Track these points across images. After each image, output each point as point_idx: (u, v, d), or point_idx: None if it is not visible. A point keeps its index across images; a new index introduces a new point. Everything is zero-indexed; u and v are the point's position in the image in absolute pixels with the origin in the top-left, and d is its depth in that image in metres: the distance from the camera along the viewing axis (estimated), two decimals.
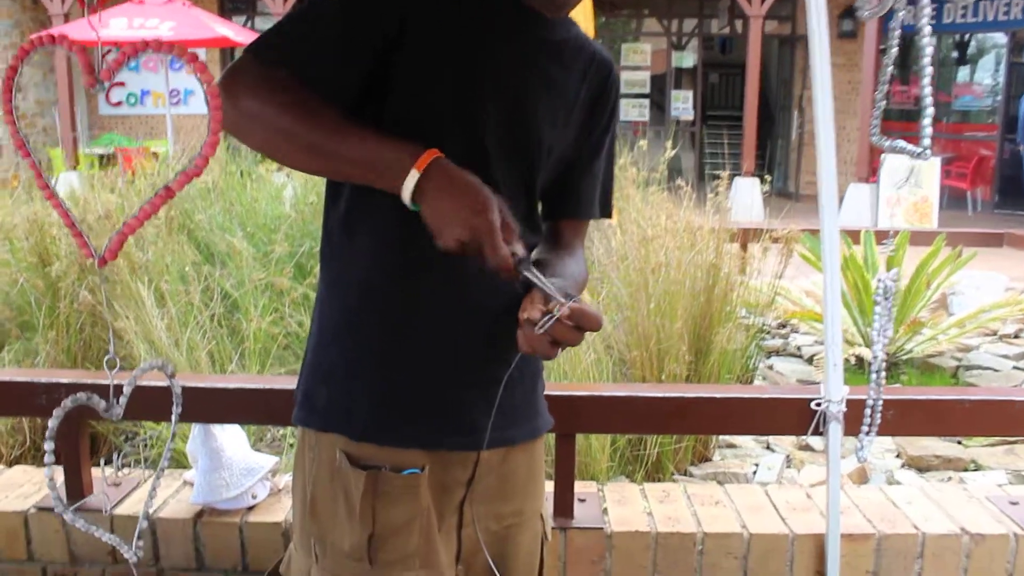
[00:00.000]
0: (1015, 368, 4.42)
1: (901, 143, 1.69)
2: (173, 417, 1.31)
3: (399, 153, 1.07)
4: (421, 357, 1.23)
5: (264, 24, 14.28)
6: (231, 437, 2.45)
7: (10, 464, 2.77)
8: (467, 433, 1.26)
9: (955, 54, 14.03)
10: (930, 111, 1.36)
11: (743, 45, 13.35)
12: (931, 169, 12.55)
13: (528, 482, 1.38)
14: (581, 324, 1.04)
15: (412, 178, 1.04)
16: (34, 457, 2.92)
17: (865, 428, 1.99)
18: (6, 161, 13.05)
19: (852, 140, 13.73)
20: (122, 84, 14.77)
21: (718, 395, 2.21)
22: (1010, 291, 5.36)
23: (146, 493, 2.39)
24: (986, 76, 13.82)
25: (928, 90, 1.35)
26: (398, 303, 1.23)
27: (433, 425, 1.25)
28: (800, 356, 4.60)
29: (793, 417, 2.16)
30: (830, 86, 2.00)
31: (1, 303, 3.19)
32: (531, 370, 1.34)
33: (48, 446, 1.25)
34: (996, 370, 4.30)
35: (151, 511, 2.25)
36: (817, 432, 2.18)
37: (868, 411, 1.96)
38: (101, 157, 12.58)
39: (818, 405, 2.11)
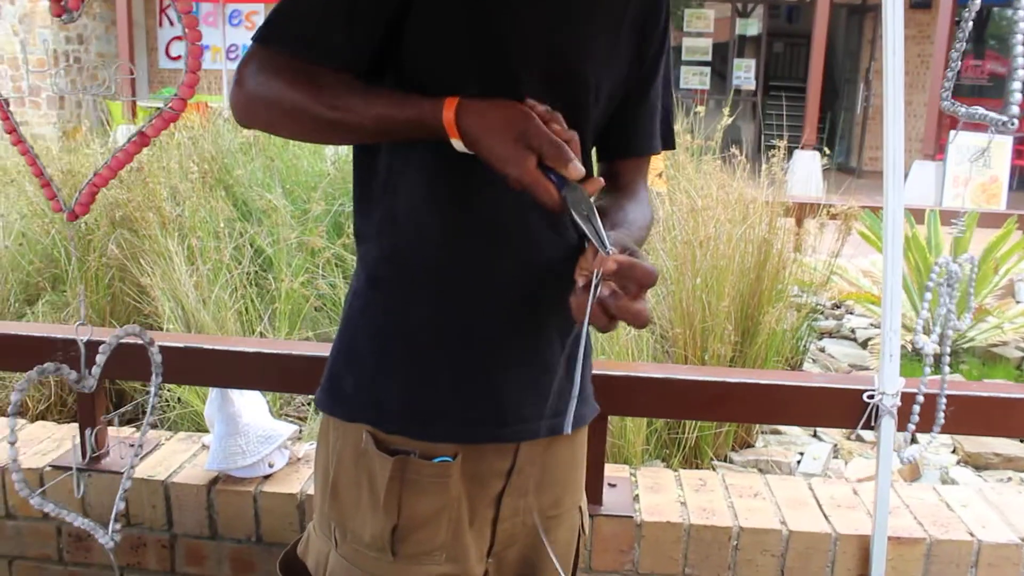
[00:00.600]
0: None
1: (980, 110, 1.52)
2: (152, 388, 1.22)
3: (424, 106, 0.98)
4: (459, 337, 1.10)
5: None
6: (249, 403, 2.37)
7: (34, 419, 2.73)
8: (509, 423, 1.13)
9: None
10: (1021, 76, 1.19)
11: (810, 14, 12.90)
12: (1002, 148, 12.10)
13: (569, 471, 1.26)
14: (630, 278, 0.91)
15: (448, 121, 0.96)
16: (60, 412, 2.89)
17: (912, 427, 1.83)
18: (67, 113, 13.19)
19: (919, 116, 13.26)
20: (182, 39, 14.82)
21: (763, 381, 2.06)
22: None
23: (162, 458, 2.33)
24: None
25: (1020, 50, 1.19)
26: (434, 274, 1.10)
27: (469, 417, 1.12)
28: (854, 339, 4.39)
29: (843, 409, 2.02)
30: (902, 58, 1.83)
31: (34, 254, 3.14)
32: (577, 352, 1.19)
33: (11, 423, 1.16)
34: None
35: (165, 477, 2.18)
36: (868, 426, 2.04)
37: (917, 407, 1.80)
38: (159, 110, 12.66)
39: (870, 397, 1.97)
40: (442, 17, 1.02)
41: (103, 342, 1.19)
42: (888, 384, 1.96)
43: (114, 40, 14.04)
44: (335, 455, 1.15)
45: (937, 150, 11.31)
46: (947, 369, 1.64)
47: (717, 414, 2.27)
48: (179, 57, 14.86)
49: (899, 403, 1.95)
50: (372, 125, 0.99)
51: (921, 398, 1.68)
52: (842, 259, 4.03)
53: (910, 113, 13.72)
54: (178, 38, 14.61)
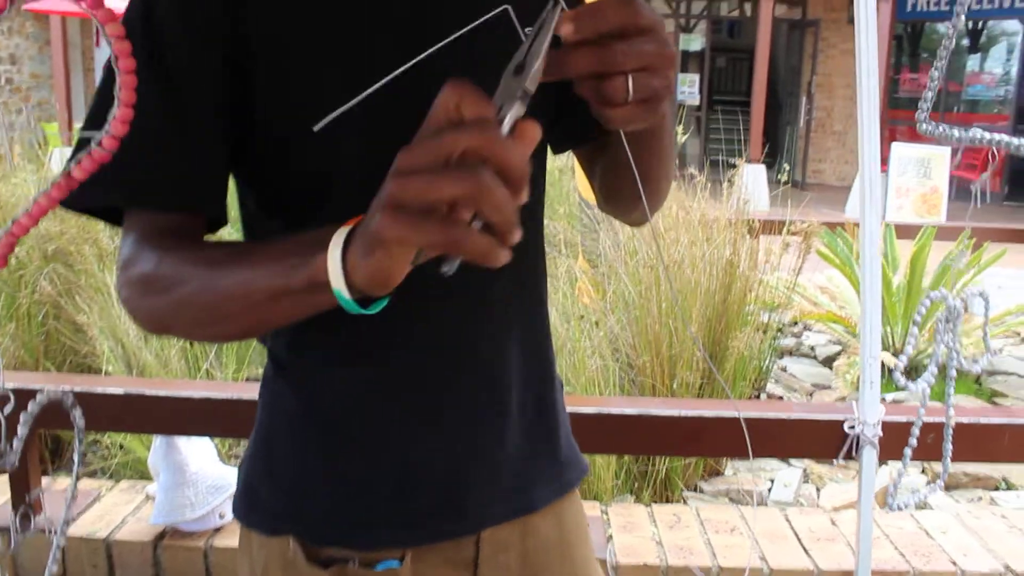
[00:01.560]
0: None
1: (951, 130, 1.46)
2: (75, 455, 1.08)
3: (305, 247, 0.69)
4: (385, 417, 0.92)
5: None
6: (197, 449, 2.23)
7: None
8: (464, 512, 0.94)
9: (967, 42, 13.76)
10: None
11: (752, 29, 13.06)
12: (940, 159, 12.35)
13: (565, 550, 1.04)
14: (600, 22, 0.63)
15: (334, 256, 0.65)
16: None
17: (908, 457, 1.76)
18: None
19: None
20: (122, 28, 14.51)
21: (744, 415, 1.98)
22: None
23: (103, 512, 2.17)
24: (997, 65, 13.55)
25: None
26: (347, 348, 0.90)
27: (413, 512, 0.93)
28: (814, 357, 4.36)
29: (824, 440, 1.96)
30: (876, 73, 1.78)
31: None
32: (544, 402, 1.01)
33: None
34: (1021, 375, 4.07)
35: (107, 535, 2.03)
36: (849, 456, 1.97)
37: (914, 439, 1.72)
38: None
39: (851, 428, 1.90)
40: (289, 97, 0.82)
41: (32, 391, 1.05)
42: (868, 413, 1.90)
43: (48, 60, 13.67)
44: (260, 570, 0.96)
45: (880, 162, 11.46)
46: (951, 409, 1.57)
47: (694, 449, 2.18)
48: None
49: (880, 432, 1.89)
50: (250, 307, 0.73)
51: (917, 431, 1.60)
52: (792, 271, 3.99)
53: (852, 126, 13.94)
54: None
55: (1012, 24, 13.06)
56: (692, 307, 2.78)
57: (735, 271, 2.98)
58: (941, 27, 13.79)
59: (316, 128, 0.69)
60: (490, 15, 0.69)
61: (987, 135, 1.38)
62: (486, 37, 0.73)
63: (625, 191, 0.93)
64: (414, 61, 0.69)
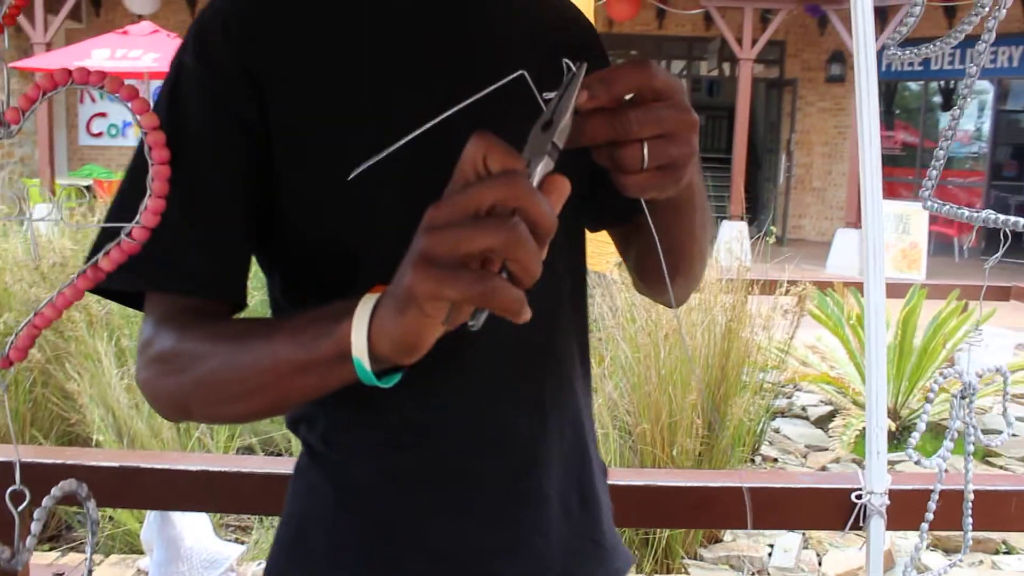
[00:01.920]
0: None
1: (959, 210, 1.48)
2: (88, 548, 1.05)
3: (330, 317, 0.68)
4: (421, 518, 0.88)
5: None
6: (192, 523, 2.18)
7: None
8: None
9: (938, 99, 14.06)
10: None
11: (731, 88, 13.28)
12: (919, 215, 12.50)
13: None
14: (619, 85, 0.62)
15: (360, 335, 0.64)
16: None
17: (927, 527, 1.74)
18: None
19: (840, 185, 13.66)
20: (103, 115, 14.54)
21: (748, 484, 1.95)
22: (1021, 348, 5.16)
23: None
24: (970, 123, 13.84)
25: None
26: (384, 435, 0.88)
27: None
28: (807, 417, 4.35)
29: (831, 510, 1.92)
30: (878, 132, 1.78)
31: None
32: (587, 488, 0.95)
33: None
34: (1015, 435, 4.07)
35: None
36: (857, 527, 1.95)
37: (933, 504, 1.71)
38: (79, 189, 12.31)
39: (859, 497, 1.88)
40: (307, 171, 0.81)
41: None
42: (876, 483, 1.88)
43: (34, 117, 13.68)
44: None
45: (859, 218, 11.60)
46: (971, 484, 1.55)
47: (701, 521, 2.15)
48: (100, 134, 14.54)
49: (887, 501, 1.88)
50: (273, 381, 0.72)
51: (933, 506, 1.58)
52: (783, 333, 3.99)
53: (830, 182, 14.15)
54: (100, 115, 14.30)
55: (983, 84, 13.38)
56: (691, 375, 2.77)
57: (734, 336, 2.98)
58: (913, 85, 14.10)
59: (351, 177, 0.69)
60: (506, 79, 0.67)
61: (992, 215, 1.39)
62: (513, 93, 0.70)
63: (657, 272, 0.89)
64: (444, 116, 0.67)
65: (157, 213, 0.83)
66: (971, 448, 1.46)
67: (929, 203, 1.61)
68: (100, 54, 9.77)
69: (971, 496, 1.56)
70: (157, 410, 0.84)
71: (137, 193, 0.77)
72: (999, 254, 1.75)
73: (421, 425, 0.87)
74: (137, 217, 0.84)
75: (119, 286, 0.81)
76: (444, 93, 0.79)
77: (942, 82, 13.76)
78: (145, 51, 9.87)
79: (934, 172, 1.57)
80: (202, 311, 0.82)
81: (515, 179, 0.56)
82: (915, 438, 1.34)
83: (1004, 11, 1.27)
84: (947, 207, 1.58)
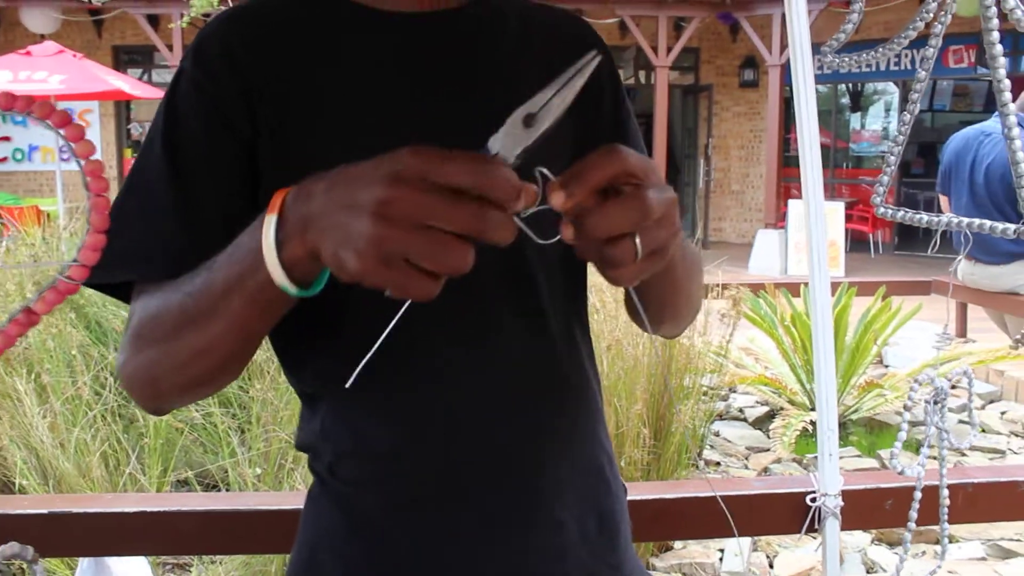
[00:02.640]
0: (961, 422, 4.30)
1: (916, 215, 1.49)
2: None
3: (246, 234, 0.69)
4: (427, 543, 0.87)
5: (161, 77, 13.76)
6: (128, 567, 2.07)
7: None
8: None
9: (847, 101, 14.50)
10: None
11: (648, 95, 13.46)
12: (836, 213, 12.84)
13: None
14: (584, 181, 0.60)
15: (269, 227, 0.63)
16: None
17: (911, 527, 1.75)
18: None
19: (758, 187, 13.96)
20: (8, 139, 14.01)
21: (702, 494, 1.94)
22: (944, 340, 5.30)
23: None
24: (877, 123, 14.31)
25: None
26: (390, 462, 0.87)
27: None
28: (744, 419, 4.40)
29: (786, 514, 1.92)
30: (817, 134, 1.82)
31: None
32: (605, 514, 0.94)
33: None
34: (964, 422, 4.18)
35: None
36: (813, 530, 1.95)
37: (916, 502, 1.71)
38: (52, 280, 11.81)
39: (813, 500, 1.89)
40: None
41: None
42: (829, 485, 1.89)
43: None
44: None
45: (779, 218, 11.88)
46: (945, 490, 1.55)
47: (655, 534, 2.12)
48: (5, 159, 13.98)
49: (841, 503, 1.89)
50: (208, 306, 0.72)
51: (915, 515, 1.58)
52: (717, 337, 4.02)
53: (748, 184, 14.44)
54: (3, 139, 13.77)
55: (887, 85, 13.85)
56: (636, 384, 2.76)
57: (674, 343, 2.98)
58: (822, 88, 14.53)
59: (348, 384, 0.71)
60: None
61: (954, 219, 1.40)
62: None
63: (653, 314, 0.91)
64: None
65: (96, 249, 0.77)
66: (945, 453, 1.47)
67: (882, 209, 1.61)
68: (2, 76, 9.38)
69: (947, 501, 1.57)
70: (137, 402, 0.85)
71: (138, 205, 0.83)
72: (960, 257, 1.76)
73: (415, 454, 0.86)
74: (75, 255, 0.78)
75: (107, 279, 0.82)
76: (438, 120, 0.82)
77: (850, 84, 14.19)
78: (51, 72, 9.52)
79: (885, 178, 1.57)
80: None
81: (497, 169, 0.55)
82: (898, 447, 1.34)
83: (950, 16, 1.28)
84: (902, 212, 1.59)
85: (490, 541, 0.87)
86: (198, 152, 0.83)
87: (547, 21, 0.97)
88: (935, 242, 1.39)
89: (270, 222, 0.63)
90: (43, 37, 11.51)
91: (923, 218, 1.32)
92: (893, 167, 1.43)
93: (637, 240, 0.61)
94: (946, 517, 1.55)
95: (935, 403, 1.40)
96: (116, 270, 0.81)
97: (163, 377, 0.79)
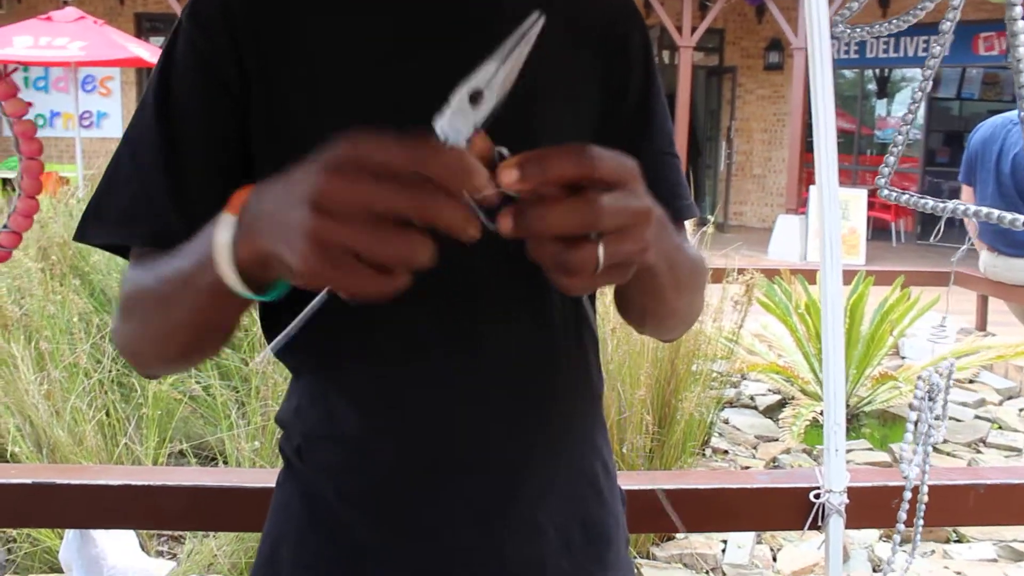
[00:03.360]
0: (977, 417, 4.22)
1: (918, 198, 1.42)
2: None
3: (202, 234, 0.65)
4: (395, 540, 0.81)
5: None
6: (115, 540, 2.04)
7: None
8: None
9: (873, 87, 14.27)
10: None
11: (671, 76, 13.30)
12: (858, 200, 12.68)
13: None
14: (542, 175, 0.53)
15: (224, 227, 0.60)
16: None
17: (902, 528, 1.69)
18: None
19: (780, 171, 13.80)
20: (30, 104, 14.00)
21: (702, 486, 1.88)
22: (963, 333, 5.21)
23: None
24: (903, 109, 14.08)
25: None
26: (355, 449, 0.82)
27: None
28: (755, 407, 4.33)
29: (789, 510, 1.86)
30: (833, 118, 1.73)
31: None
32: (594, 522, 0.87)
33: None
34: (958, 419, 4.10)
35: None
36: (816, 527, 1.89)
37: (905, 503, 1.65)
38: (4, 181, 11.86)
39: (817, 496, 1.82)
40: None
41: None
42: (834, 481, 1.83)
43: None
44: None
45: (799, 204, 11.74)
46: (926, 486, 1.50)
47: (652, 526, 2.06)
48: None
49: (847, 500, 1.82)
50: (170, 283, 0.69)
51: (903, 514, 1.52)
52: (730, 323, 3.94)
53: (770, 169, 14.28)
54: (27, 104, 13.79)
55: (914, 72, 13.62)
56: (640, 370, 2.70)
57: None
58: (849, 73, 14.29)
59: (271, 350, 0.66)
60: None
61: (961, 206, 1.33)
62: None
63: (635, 319, 0.90)
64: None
65: (29, 215, 0.73)
66: (929, 449, 1.41)
67: (886, 191, 1.53)
68: (22, 41, 9.38)
69: (925, 499, 1.51)
70: (129, 362, 0.83)
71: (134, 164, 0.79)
72: (965, 247, 1.68)
73: (385, 442, 0.81)
74: (5, 222, 0.73)
75: (95, 241, 0.80)
76: (430, 67, 0.74)
77: (877, 70, 13.97)
78: (71, 39, 9.49)
79: (891, 159, 1.50)
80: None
81: (439, 149, 0.52)
82: (905, 447, 1.28)
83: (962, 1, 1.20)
84: (906, 196, 1.52)
85: (461, 543, 0.81)
86: (190, 113, 0.79)
87: None
88: (939, 229, 1.32)
89: (226, 222, 0.60)
90: (65, 2, 11.49)
91: (928, 203, 1.26)
92: (900, 147, 1.35)
93: (601, 249, 0.54)
94: (922, 515, 1.50)
95: (929, 399, 1.35)
96: (100, 231, 0.79)
97: (143, 350, 0.78)
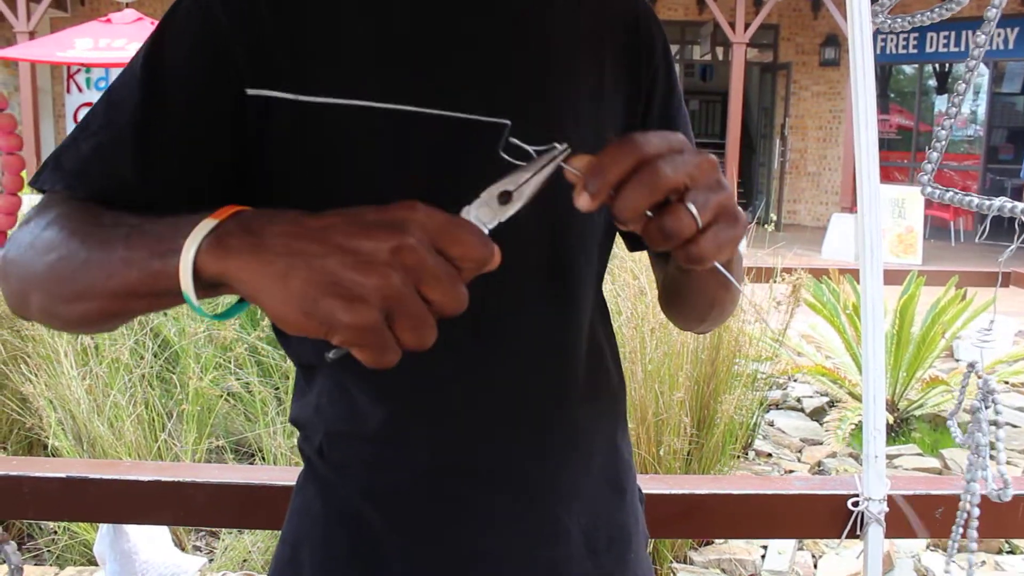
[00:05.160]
0: None
1: (966, 197, 1.36)
2: None
3: (181, 222, 0.59)
4: (422, 539, 0.80)
5: None
6: (148, 535, 2.06)
7: None
8: None
9: (934, 83, 13.92)
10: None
11: (724, 72, 13.13)
12: (915, 199, 12.38)
13: None
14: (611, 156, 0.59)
15: (200, 231, 0.56)
16: None
17: (959, 539, 1.62)
18: None
19: (835, 169, 13.54)
20: (91, 105, 14.38)
21: (737, 491, 1.83)
22: (1021, 336, 5.05)
23: None
24: (965, 106, 13.69)
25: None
26: (372, 460, 0.81)
27: None
28: (802, 409, 4.23)
29: (826, 517, 1.81)
30: (874, 120, 1.66)
31: None
32: (614, 525, 0.87)
33: None
34: (1015, 425, 3.96)
35: None
36: (854, 535, 1.83)
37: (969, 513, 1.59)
38: None
39: (855, 504, 1.77)
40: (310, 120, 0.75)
41: None
42: (873, 489, 1.77)
43: (18, 107, 13.51)
44: None
45: (855, 202, 11.49)
46: (972, 500, 1.43)
47: (686, 531, 2.03)
48: None
49: (886, 508, 1.76)
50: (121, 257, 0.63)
51: (960, 529, 1.46)
52: (777, 323, 3.87)
53: (825, 167, 14.02)
54: (86, 104, 14.15)
55: (980, 66, 13.23)
56: (679, 370, 2.65)
57: (725, 327, 2.85)
58: (908, 68, 13.97)
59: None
60: (492, 118, 0.67)
61: (1008, 203, 1.27)
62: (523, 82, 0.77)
63: (685, 312, 0.91)
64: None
65: (12, 213, 0.72)
66: (983, 470, 1.34)
67: (928, 189, 1.47)
68: (83, 43, 9.61)
69: (971, 510, 1.44)
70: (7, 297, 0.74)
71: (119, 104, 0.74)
72: (1015, 246, 1.61)
73: (409, 440, 0.79)
74: None
75: (46, 187, 0.74)
76: (459, 86, 0.76)
77: (937, 65, 13.62)
78: (129, 40, 9.69)
79: (935, 155, 1.43)
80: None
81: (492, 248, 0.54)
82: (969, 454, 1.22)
83: None
84: (950, 193, 1.45)
85: (486, 545, 0.80)
86: (180, 80, 0.75)
87: None
88: (984, 228, 1.26)
89: (206, 225, 0.56)
90: (126, 5, 11.72)
91: (973, 200, 1.20)
92: (944, 143, 1.30)
93: (689, 205, 0.59)
94: (975, 528, 1.43)
95: (984, 401, 1.28)
96: (54, 176, 0.74)
97: (32, 298, 0.69)
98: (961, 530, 1.42)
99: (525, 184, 0.59)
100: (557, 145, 0.60)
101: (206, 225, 0.56)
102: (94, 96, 14.23)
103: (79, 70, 14.11)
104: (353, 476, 0.81)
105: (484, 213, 0.57)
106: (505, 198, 0.58)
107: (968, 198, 1.35)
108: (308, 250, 0.52)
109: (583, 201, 0.59)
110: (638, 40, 0.88)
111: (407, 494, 0.80)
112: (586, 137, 0.82)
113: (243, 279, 0.53)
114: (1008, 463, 3.48)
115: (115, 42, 9.59)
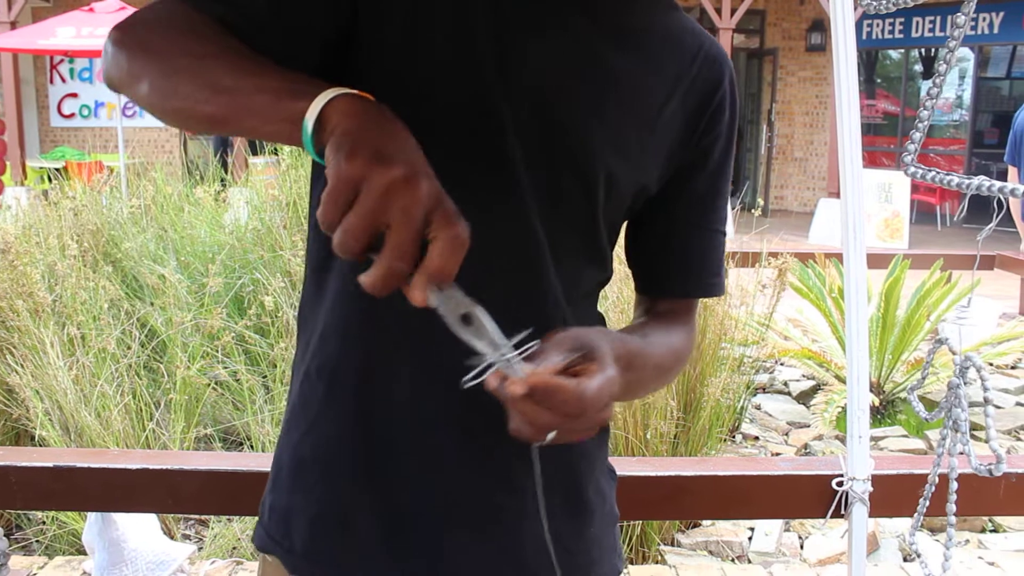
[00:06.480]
0: (1018, 404, 4.11)
1: (946, 176, 1.37)
2: None
3: (308, 85, 0.69)
4: (386, 473, 0.87)
5: None
6: (136, 523, 2.06)
7: None
8: None
9: (919, 68, 13.95)
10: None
11: None
12: (901, 183, 12.39)
13: None
14: (548, 405, 0.68)
15: (317, 104, 0.66)
16: None
17: (921, 516, 1.64)
18: None
19: (821, 155, 13.57)
20: (75, 95, 14.24)
21: (723, 472, 1.85)
22: (1004, 318, 5.08)
23: None
24: (950, 91, 13.73)
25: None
26: (353, 396, 0.88)
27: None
28: (788, 393, 4.26)
29: (811, 498, 1.83)
30: (857, 104, 1.68)
31: None
32: (579, 500, 0.93)
33: None
34: (999, 406, 3.99)
35: None
36: (839, 515, 1.85)
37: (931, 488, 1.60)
38: (51, 171, 12.09)
39: (840, 484, 1.79)
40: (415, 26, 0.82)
41: None
42: (858, 469, 1.79)
43: (0, 98, 13.40)
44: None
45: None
46: (955, 487, 1.44)
47: (673, 512, 2.04)
48: (72, 115, 14.25)
49: (870, 488, 1.79)
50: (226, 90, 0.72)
51: (926, 503, 1.48)
52: (762, 306, 3.88)
53: (812, 152, 14.05)
54: (71, 95, 14.03)
55: (963, 51, 13.27)
56: None
57: (710, 312, 2.87)
58: (894, 54, 13.99)
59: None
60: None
61: (986, 182, 1.28)
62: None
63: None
64: None
65: None
66: (964, 444, 1.36)
67: (912, 169, 1.48)
68: (65, 32, 9.55)
69: (955, 476, 1.46)
70: (106, 68, 0.80)
71: None
72: (992, 224, 1.62)
73: (394, 410, 0.88)
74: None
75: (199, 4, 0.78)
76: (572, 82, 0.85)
77: (922, 50, 13.65)
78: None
79: (917, 135, 1.44)
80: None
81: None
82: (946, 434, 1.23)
83: None
84: (932, 173, 1.46)
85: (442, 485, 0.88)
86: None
87: (685, 34, 0.96)
88: (962, 208, 1.27)
89: (334, 91, 0.67)
90: None
91: (953, 180, 1.20)
92: (925, 123, 1.30)
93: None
94: (954, 501, 1.44)
95: (962, 378, 1.29)
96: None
97: (146, 76, 0.76)
98: (927, 503, 1.43)
99: (490, 334, 0.66)
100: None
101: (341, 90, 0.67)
102: (78, 86, 14.14)
103: (62, 60, 14.01)
104: (327, 384, 0.90)
105: (449, 302, 0.65)
106: (468, 320, 0.66)
107: (949, 177, 1.36)
108: (387, 148, 0.63)
109: (516, 389, 0.67)
110: (710, 107, 0.95)
111: (375, 413, 0.88)
112: (623, 159, 0.89)
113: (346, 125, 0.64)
114: (980, 440, 3.50)
115: (98, 31, 9.54)
